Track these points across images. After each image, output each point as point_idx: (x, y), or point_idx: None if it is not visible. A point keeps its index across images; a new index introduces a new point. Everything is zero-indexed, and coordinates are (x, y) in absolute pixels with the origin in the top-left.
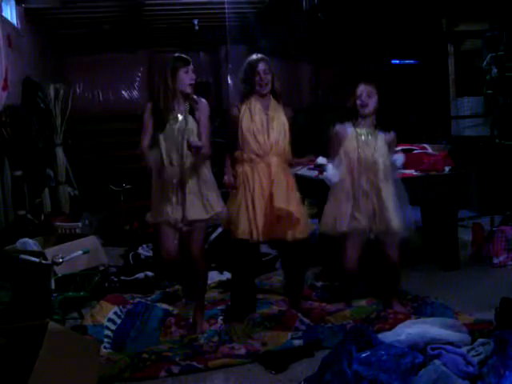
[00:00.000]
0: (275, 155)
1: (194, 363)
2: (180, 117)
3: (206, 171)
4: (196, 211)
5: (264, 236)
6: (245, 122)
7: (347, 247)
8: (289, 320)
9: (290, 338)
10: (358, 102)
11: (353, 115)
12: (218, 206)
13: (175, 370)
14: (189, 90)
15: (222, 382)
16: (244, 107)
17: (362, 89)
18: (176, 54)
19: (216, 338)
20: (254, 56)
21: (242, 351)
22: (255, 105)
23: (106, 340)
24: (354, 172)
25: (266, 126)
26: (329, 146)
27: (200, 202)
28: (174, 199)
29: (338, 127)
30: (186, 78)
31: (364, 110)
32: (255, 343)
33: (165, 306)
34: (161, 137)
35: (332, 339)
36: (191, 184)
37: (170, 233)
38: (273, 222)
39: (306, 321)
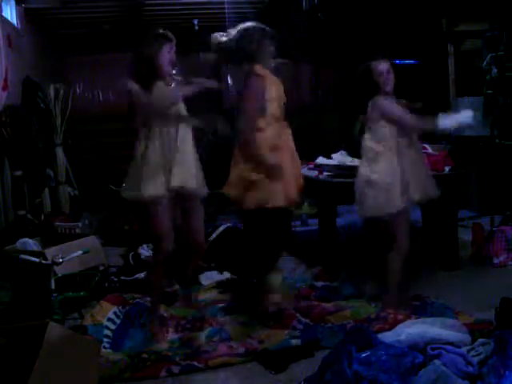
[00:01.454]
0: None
1: (194, 363)
2: (166, 88)
3: (194, 150)
4: (185, 179)
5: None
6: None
7: (401, 227)
8: (286, 319)
9: (287, 337)
10: (382, 79)
11: (374, 92)
12: (202, 181)
13: (175, 369)
14: (170, 68)
15: (222, 381)
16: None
17: (385, 65)
18: (160, 31)
19: (216, 337)
20: (251, 24)
21: (241, 350)
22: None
23: (105, 340)
24: (400, 143)
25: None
26: (369, 117)
27: (189, 172)
28: (162, 170)
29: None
30: (168, 56)
31: (389, 86)
32: (253, 342)
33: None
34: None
35: (332, 339)
36: (180, 156)
37: (165, 209)
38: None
39: (304, 320)
